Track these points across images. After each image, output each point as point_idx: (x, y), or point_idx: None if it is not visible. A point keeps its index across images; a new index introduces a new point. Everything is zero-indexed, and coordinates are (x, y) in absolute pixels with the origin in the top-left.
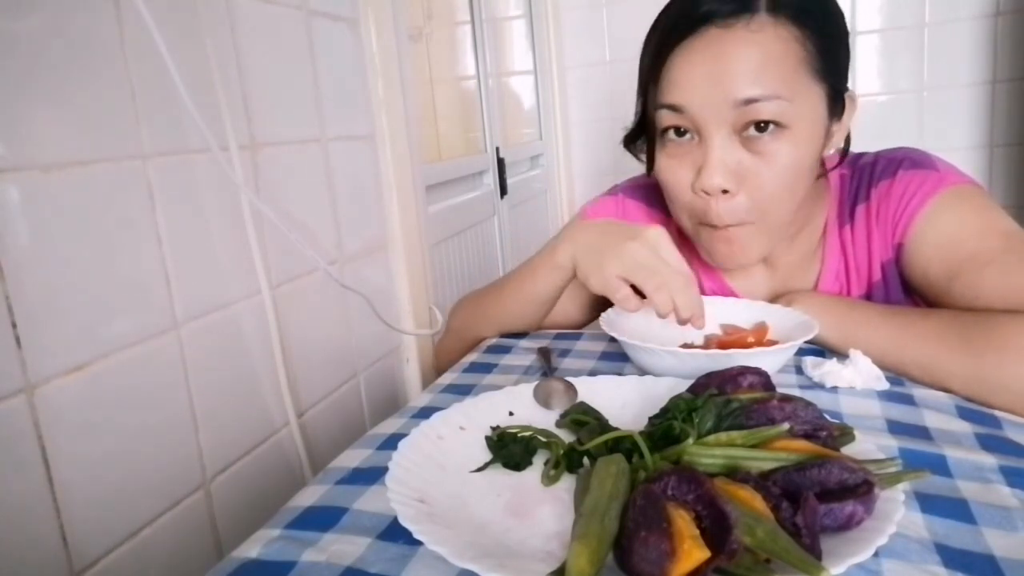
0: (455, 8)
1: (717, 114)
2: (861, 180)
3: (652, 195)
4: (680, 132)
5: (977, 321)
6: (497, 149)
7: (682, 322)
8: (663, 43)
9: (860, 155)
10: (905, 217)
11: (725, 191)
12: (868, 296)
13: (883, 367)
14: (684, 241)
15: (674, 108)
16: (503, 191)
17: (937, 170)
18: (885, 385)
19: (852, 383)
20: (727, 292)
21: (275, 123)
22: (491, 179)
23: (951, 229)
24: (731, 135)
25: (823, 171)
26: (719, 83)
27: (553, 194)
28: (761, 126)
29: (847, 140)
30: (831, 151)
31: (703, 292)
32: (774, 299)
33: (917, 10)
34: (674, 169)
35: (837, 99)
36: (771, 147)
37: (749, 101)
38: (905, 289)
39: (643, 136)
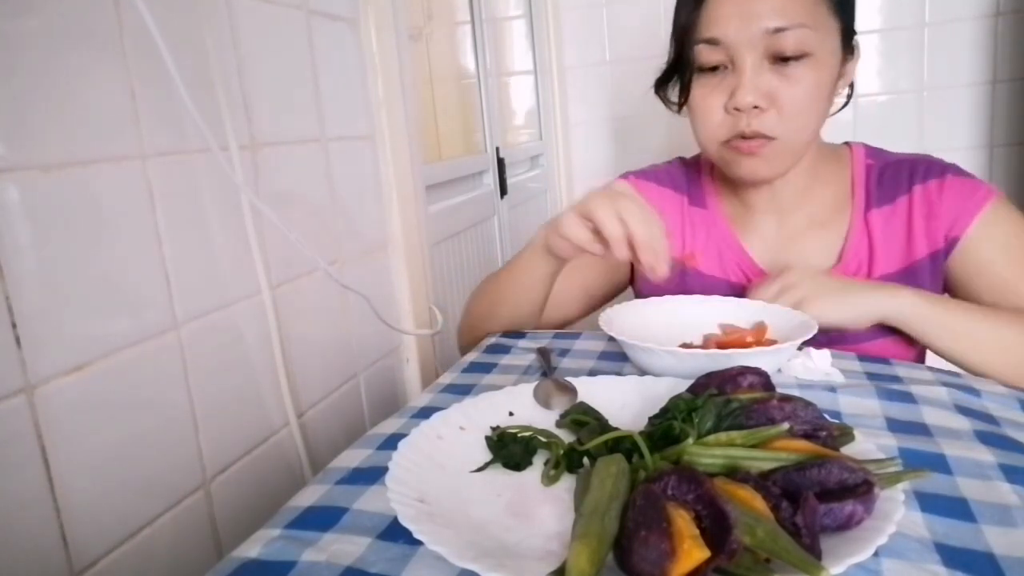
0: (455, 8)
1: (749, 43)
2: (899, 173)
3: (662, 176)
4: (714, 67)
5: None
6: (497, 149)
7: (643, 260)
8: None
9: (879, 149)
10: (964, 216)
11: (756, 107)
12: (891, 279)
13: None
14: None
15: (711, 42)
16: (503, 191)
17: (980, 181)
18: (840, 379)
19: (801, 374)
20: (743, 255)
21: (275, 123)
22: (491, 179)
23: (1012, 234)
24: (762, 60)
25: (848, 149)
26: (751, 16)
27: (553, 194)
28: (788, 54)
29: (851, 88)
30: (842, 89)
31: (720, 259)
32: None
33: (917, 10)
34: (707, 96)
35: (847, 39)
36: (797, 71)
37: (778, 29)
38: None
39: (674, 78)
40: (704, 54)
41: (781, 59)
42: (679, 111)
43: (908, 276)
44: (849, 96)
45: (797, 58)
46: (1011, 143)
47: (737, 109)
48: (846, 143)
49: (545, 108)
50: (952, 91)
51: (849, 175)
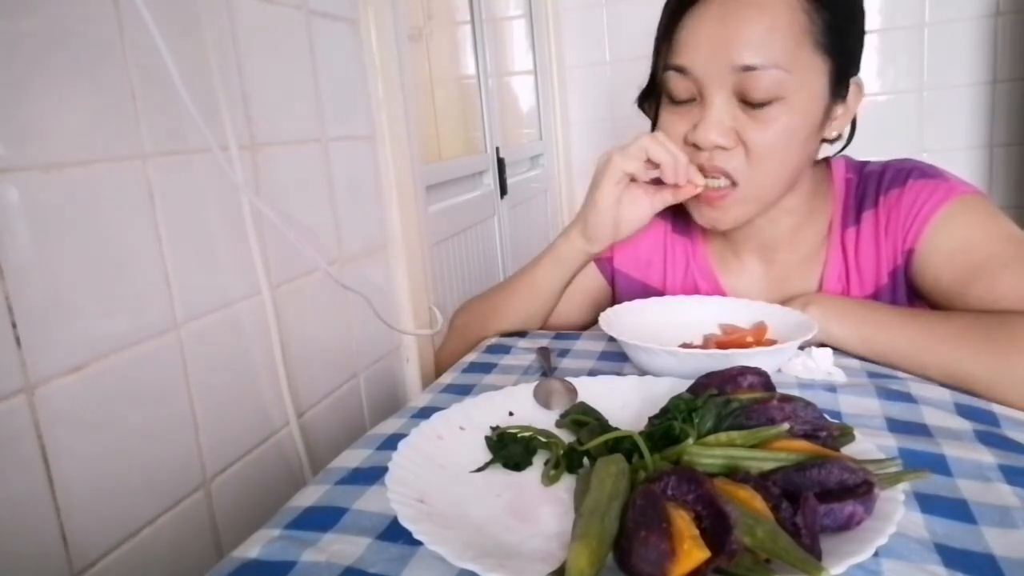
0: (455, 8)
1: (718, 77)
2: (868, 186)
3: None
4: (683, 98)
5: (1000, 322)
6: (497, 149)
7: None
8: (677, 6)
9: (866, 163)
10: (916, 224)
11: (719, 147)
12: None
13: (903, 369)
14: (679, 236)
15: (679, 70)
16: (503, 191)
17: (946, 180)
18: (841, 379)
19: (802, 374)
20: (721, 293)
21: (275, 123)
22: (491, 179)
23: (963, 235)
24: (730, 97)
25: (827, 166)
26: (722, 48)
27: (553, 194)
28: (758, 98)
29: (852, 127)
30: (833, 134)
31: (698, 292)
32: (786, 300)
33: (917, 10)
34: (673, 122)
35: (841, 80)
36: (768, 113)
37: (748, 68)
38: (910, 295)
39: (652, 96)
40: (673, 82)
41: (750, 102)
42: (651, 131)
43: (880, 300)
44: (850, 137)
45: (768, 102)
46: (1011, 143)
47: (697, 146)
48: (825, 159)
49: (545, 108)
50: (952, 91)
51: (834, 202)
